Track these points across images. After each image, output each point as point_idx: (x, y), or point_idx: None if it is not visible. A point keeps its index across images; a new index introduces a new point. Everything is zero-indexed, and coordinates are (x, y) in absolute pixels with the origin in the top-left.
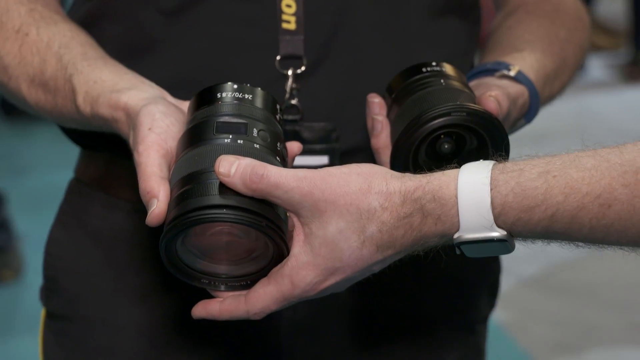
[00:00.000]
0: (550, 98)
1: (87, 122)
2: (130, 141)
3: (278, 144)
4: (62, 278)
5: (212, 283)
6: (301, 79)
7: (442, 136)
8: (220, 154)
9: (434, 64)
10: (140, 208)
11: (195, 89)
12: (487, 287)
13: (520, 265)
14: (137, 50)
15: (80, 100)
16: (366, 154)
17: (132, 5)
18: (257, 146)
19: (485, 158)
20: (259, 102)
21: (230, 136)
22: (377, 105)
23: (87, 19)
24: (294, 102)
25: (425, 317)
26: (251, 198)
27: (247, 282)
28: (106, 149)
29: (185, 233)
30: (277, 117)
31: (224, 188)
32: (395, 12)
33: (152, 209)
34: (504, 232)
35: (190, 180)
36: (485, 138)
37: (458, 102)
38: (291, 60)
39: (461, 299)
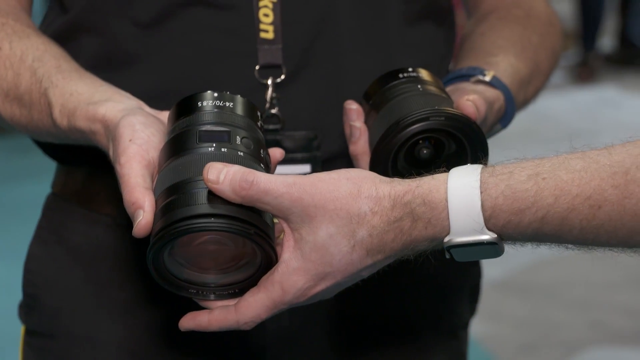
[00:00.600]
0: (525, 103)
1: (63, 136)
2: (110, 153)
3: (261, 151)
4: (43, 295)
5: (201, 293)
6: (281, 87)
7: (420, 141)
8: (204, 163)
9: (410, 69)
10: (121, 222)
11: (175, 100)
12: (469, 292)
13: (482, 267)
14: (115, 62)
15: (56, 113)
16: (348, 161)
17: (109, 18)
18: (241, 154)
19: (465, 163)
20: (239, 110)
21: (214, 144)
22: (354, 112)
23: (62, 32)
24: (274, 111)
25: (409, 322)
26: (238, 206)
27: (235, 290)
28: (84, 163)
29: (172, 244)
30: (259, 124)
31: (211, 197)
32: (373, 19)
33: (138, 220)
34: (495, 235)
35: (175, 191)
36: (464, 142)
37: (436, 107)
38: (270, 69)
39: (443, 305)
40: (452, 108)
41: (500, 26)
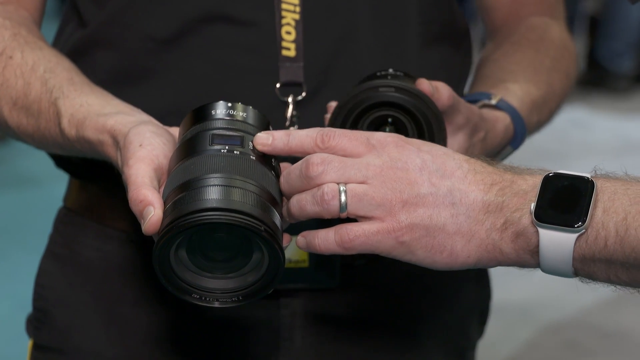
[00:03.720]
0: (539, 124)
1: (70, 146)
2: (119, 161)
3: (272, 160)
4: (53, 310)
5: (204, 298)
6: (300, 105)
7: (382, 125)
8: (216, 162)
9: (385, 70)
10: (135, 239)
11: None
12: (478, 313)
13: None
14: (131, 77)
15: (65, 123)
16: None
17: (127, 33)
18: (253, 158)
19: None
20: (251, 120)
21: (227, 147)
22: (333, 107)
23: (79, 46)
24: (294, 129)
25: (420, 342)
26: (249, 203)
27: (239, 297)
28: (98, 178)
29: (181, 237)
30: None
31: (222, 192)
32: (392, 39)
33: (149, 217)
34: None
35: (185, 187)
36: (421, 123)
37: (388, 78)
38: (291, 87)
39: (454, 325)
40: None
41: (512, 51)
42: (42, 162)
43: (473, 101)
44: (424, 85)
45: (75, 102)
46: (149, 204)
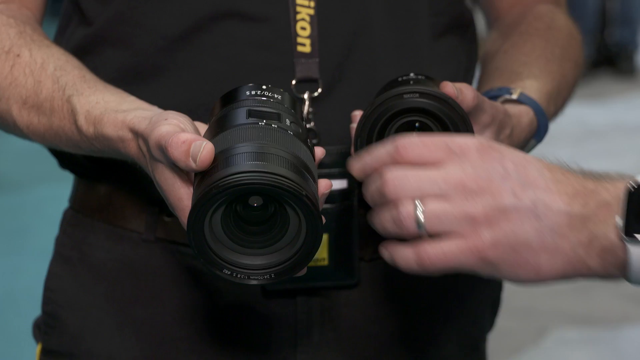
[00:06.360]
0: (555, 114)
1: (86, 144)
2: (143, 150)
3: (308, 140)
4: (64, 313)
5: (235, 275)
6: (316, 102)
7: (410, 130)
8: (256, 133)
9: (410, 75)
10: (147, 238)
11: (206, 114)
12: (490, 304)
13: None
14: (141, 76)
15: (81, 120)
16: None
17: (136, 31)
18: (291, 133)
19: None
20: (287, 102)
21: (264, 120)
22: (357, 117)
23: (85, 44)
24: (310, 125)
25: (433, 334)
26: (294, 171)
27: (271, 274)
28: (107, 177)
29: (221, 199)
30: (303, 120)
31: (266, 158)
32: (405, 32)
33: (201, 148)
34: None
35: (224, 154)
36: (448, 126)
37: (411, 84)
38: (306, 83)
39: (467, 317)
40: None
41: (522, 42)
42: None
43: (494, 97)
44: (448, 88)
45: (91, 99)
46: (194, 139)
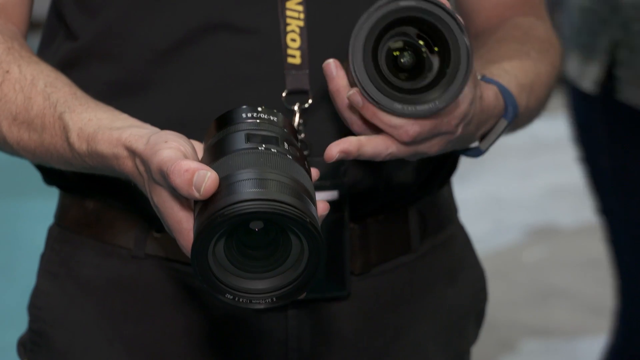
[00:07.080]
0: (529, 110)
1: (80, 161)
2: (141, 169)
3: (305, 163)
4: (52, 331)
5: (237, 299)
6: (306, 113)
7: (400, 51)
8: (255, 159)
9: None
10: (137, 254)
11: (197, 127)
12: (475, 316)
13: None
14: (129, 90)
15: (73, 137)
16: (376, 187)
17: (124, 45)
18: (290, 157)
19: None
20: (282, 124)
21: (263, 145)
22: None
23: (71, 59)
24: (300, 137)
25: (420, 346)
26: (296, 197)
27: (272, 298)
28: (95, 192)
29: (225, 228)
30: (298, 142)
31: (268, 185)
32: None
33: (206, 178)
34: None
35: (224, 182)
36: (442, 34)
37: None
38: (297, 95)
39: (453, 328)
40: None
41: (497, 46)
42: None
43: None
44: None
45: (83, 116)
46: (198, 169)
